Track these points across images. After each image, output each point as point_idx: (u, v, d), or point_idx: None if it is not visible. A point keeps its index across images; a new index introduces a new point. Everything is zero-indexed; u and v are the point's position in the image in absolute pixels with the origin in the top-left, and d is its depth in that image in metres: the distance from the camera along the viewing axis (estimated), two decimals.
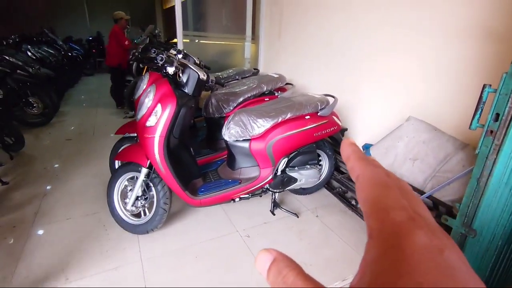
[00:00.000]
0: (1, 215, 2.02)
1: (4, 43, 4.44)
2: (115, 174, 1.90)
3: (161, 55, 1.70)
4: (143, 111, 1.69)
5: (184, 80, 1.70)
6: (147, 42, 4.63)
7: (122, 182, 1.90)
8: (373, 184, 0.20)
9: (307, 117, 2.00)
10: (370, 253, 0.17)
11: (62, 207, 2.15)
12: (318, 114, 2.04)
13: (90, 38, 10.25)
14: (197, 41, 4.28)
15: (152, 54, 1.82)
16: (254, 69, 3.43)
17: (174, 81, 1.73)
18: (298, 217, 2.12)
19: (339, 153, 2.35)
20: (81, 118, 4.49)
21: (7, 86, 3.39)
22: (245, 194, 1.96)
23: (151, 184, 1.82)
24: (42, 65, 4.77)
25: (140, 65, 4.05)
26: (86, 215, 2.07)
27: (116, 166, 2.36)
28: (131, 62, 4.86)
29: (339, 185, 2.32)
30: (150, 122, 1.62)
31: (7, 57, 3.72)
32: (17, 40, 4.95)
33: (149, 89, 1.71)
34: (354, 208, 2.15)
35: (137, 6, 10.08)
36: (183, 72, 1.69)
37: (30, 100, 3.82)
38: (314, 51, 3.02)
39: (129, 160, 1.79)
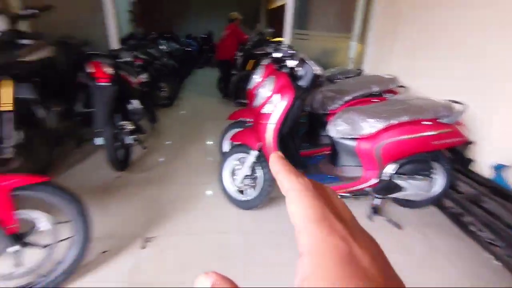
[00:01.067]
0: (143, 171, 2.57)
1: (147, 39, 5.51)
2: (228, 153, 2.18)
3: (288, 50, 1.84)
4: (260, 99, 1.87)
5: (301, 74, 1.80)
6: (256, 39, 5.02)
7: (233, 160, 2.16)
8: (303, 198, 0.20)
9: (426, 122, 1.84)
10: (302, 270, 0.17)
11: (182, 173, 2.60)
12: (439, 120, 1.85)
13: (203, 36, 11.69)
14: (301, 39, 4.39)
15: (270, 49, 1.98)
16: (357, 69, 3.31)
17: (291, 74, 1.85)
18: (400, 229, 1.99)
19: (459, 170, 2.08)
20: (194, 104, 5.23)
21: (150, 73, 4.22)
22: (345, 193, 1.96)
23: (258, 166, 2.01)
24: (169, 58, 5.75)
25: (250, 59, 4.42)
26: (200, 184, 2.44)
27: (224, 146, 2.70)
28: (238, 56, 5.40)
29: (453, 205, 2.06)
30: (266, 109, 1.78)
31: (149, 50, 4.65)
32: (155, 37, 6.08)
33: (267, 80, 1.88)
34: (473, 235, 1.87)
35: (244, 7, 10.98)
36: (301, 66, 1.79)
37: (161, 85, 4.66)
38: (437, 53, 2.72)
39: (242, 142, 2.02)
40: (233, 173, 2.18)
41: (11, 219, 1.19)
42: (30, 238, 1.30)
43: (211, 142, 3.37)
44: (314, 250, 0.18)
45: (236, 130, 2.62)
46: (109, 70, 2.13)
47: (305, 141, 2.51)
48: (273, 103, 1.73)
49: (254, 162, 1.99)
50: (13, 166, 2.11)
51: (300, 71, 1.77)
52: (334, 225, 0.19)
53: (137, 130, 2.51)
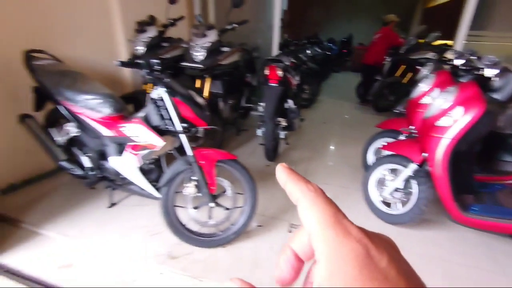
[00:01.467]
0: (287, 164, 2.84)
1: (298, 44, 5.94)
2: (378, 161, 2.11)
3: (472, 56, 1.61)
4: (434, 110, 1.71)
5: (499, 86, 1.52)
6: (414, 43, 4.53)
7: (382, 170, 2.08)
8: (316, 204, 0.20)
9: None
10: (319, 275, 0.18)
11: (322, 173, 2.72)
12: None
13: (344, 40, 11.48)
14: (477, 41, 3.63)
15: (451, 55, 1.75)
16: None
17: (481, 84, 1.59)
18: None
19: None
20: (331, 107, 5.28)
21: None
22: None
23: (414, 181, 1.86)
24: (313, 61, 6.00)
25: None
26: (340, 186, 2.49)
27: (369, 154, 2.62)
28: (386, 61, 5.04)
29: None
30: (443, 122, 1.61)
31: (299, 55, 5.02)
32: (304, 42, 6.47)
33: (447, 90, 1.69)
34: None
35: (393, 7, 10.01)
36: (500, 77, 1.51)
37: (304, 87, 4.95)
38: None
39: (400, 153, 1.91)
40: (379, 182, 2.10)
41: (213, 182, 1.60)
42: (220, 200, 1.70)
43: (351, 148, 3.33)
44: (330, 255, 0.18)
45: (385, 139, 2.50)
46: (280, 73, 2.47)
47: (477, 163, 2.11)
48: (452, 116, 1.55)
49: (410, 176, 1.85)
50: (200, 142, 2.80)
51: (497, 81, 1.50)
52: (349, 229, 0.19)
53: (289, 127, 2.79)
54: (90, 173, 1.87)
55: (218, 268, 1.59)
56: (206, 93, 2.64)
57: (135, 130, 1.55)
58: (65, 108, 1.78)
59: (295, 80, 2.95)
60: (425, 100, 1.97)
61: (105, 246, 1.69)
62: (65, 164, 1.89)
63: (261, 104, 2.77)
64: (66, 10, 2.37)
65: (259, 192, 2.30)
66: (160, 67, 1.42)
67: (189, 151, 1.54)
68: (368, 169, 2.18)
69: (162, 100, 1.53)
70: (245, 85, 3.51)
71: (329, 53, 8.86)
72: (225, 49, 2.64)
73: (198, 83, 2.71)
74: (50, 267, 1.53)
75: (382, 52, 4.91)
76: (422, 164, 1.77)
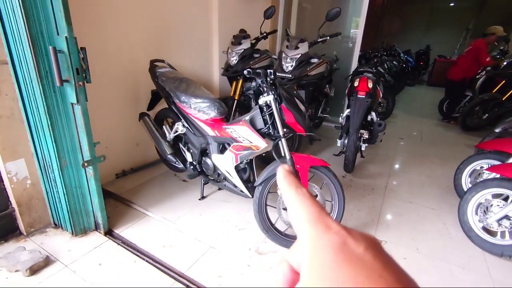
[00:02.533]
0: (364, 178, 2.77)
1: (378, 55, 5.73)
2: (481, 184, 1.91)
3: None
4: None
5: None
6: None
7: (485, 194, 1.88)
8: (302, 204, 0.22)
9: None
10: (302, 268, 0.20)
11: (404, 191, 2.56)
12: None
13: (421, 51, 10.63)
14: None
15: None
16: None
17: None
18: None
19: None
20: (408, 123, 4.94)
21: None
22: None
23: None
24: (389, 74, 5.71)
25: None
26: (428, 207, 2.31)
27: (462, 177, 2.39)
28: (479, 76, 4.52)
29: None
30: None
31: (379, 68, 4.85)
32: (382, 54, 6.22)
33: None
34: None
35: (489, 16, 8.86)
36: None
37: (380, 100, 4.74)
38: None
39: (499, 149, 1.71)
40: (480, 206, 1.90)
41: (306, 186, 1.67)
42: None
43: (436, 167, 3.07)
44: (311, 247, 0.19)
45: (487, 161, 2.25)
46: (370, 85, 2.45)
47: None
48: None
49: None
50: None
51: None
52: (330, 224, 0.20)
53: (370, 140, 2.72)
54: (190, 167, 2.12)
55: None
56: None
57: (241, 131, 1.72)
58: (178, 109, 2.06)
59: (381, 93, 2.88)
60: None
61: (199, 233, 1.89)
62: (171, 157, 2.18)
63: (344, 115, 2.76)
64: (177, 25, 2.75)
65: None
66: (273, 76, 1.57)
67: (287, 154, 1.64)
68: (465, 192, 2.00)
69: (267, 106, 1.67)
70: (323, 95, 3.54)
71: (405, 65, 8.32)
72: (314, 60, 2.73)
73: None
74: (156, 245, 1.77)
75: (472, 67, 4.42)
76: None
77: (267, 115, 1.69)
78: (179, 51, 2.85)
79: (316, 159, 1.69)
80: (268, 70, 1.56)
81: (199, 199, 2.25)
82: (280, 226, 1.81)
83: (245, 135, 1.71)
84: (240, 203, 2.21)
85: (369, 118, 2.81)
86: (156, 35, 2.58)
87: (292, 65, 2.64)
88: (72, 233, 1.79)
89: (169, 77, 2.12)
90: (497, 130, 2.74)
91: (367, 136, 2.66)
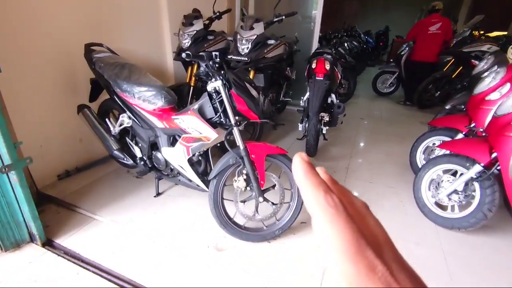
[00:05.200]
0: (327, 161, 2.77)
1: (338, 35, 5.71)
2: (432, 161, 1.97)
3: None
4: (508, 107, 1.55)
5: None
6: (467, 35, 4.19)
7: (437, 170, 1.94)
8: (334, 222, 0.18)
9: None
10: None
11: (365, 171, 2.60)
12: None
13: (380, 32, 10.93)
14: None
15: None
16: None
17: None
18: None
19: None
20: (369, 103, 5.06)
21: None
22: None
23: (477, 184, 1.71)
24: (349, 55, 5.77)
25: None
26: (386, 186, 2.37)
27: (417, 154, 2.47)
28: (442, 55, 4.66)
29: None
30: None
31: (339, 48, 4.84)
32: (342, 35, 6.23)
33: None
34: None
35: None
36: None
37: (342, 81, 4.78)
38: None
39: (463, 153, 1.76)
40: (432, 183, 1.97)
41: (263, 177, 1.58)
42: (267, 195, 1.68)
43: (394, 145, 3.17)
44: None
45: (439, 138, 2.33)
46: (328, 67, 2.39)
47: None
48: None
49: (473, 178, 1.71)
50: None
51: None
52: (373, 263, 0.16)
53: (331, 123, 2.70)
54: (141, 163, 1.94)
55: (262, 262, 1.58)
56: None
57: (190, 122, 1.57)
58: (121, 99, 1.84)
59: (340, 75, 2.84)
60: (493, 96, 1.79)
61: (153, 234, 1.74)
62: (118, 153, 1.97)
63: (304, 98, 2.70)
64: (120, 4, 2.45)
65: None
66: (219, 59, 1.41)
67: (241, 144, 1.53)
68: (419, 169, 2.05)
69: (217, 92, 1.53)
70: (285, 78, 3.45)
71: (366, 46, 8.49)
72: (271, 42, 2.60)
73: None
74: (105, 252, 1.61)
75: (439, 47, 4.43)
76: (488, 165, 1.62)
77: (217, 103, 1.55)
78: (123, 34, 2.56)
79: (273, 147, 1.60)
80: (214, 53, 1.40)
81: (154, 196, 2.09)
82: (239, 220, 1.73)
83: (194, 126, 1.56)
84: (199, 197, 2.08)
85: (329, 100, 2.78)
86: (94, 16, 2.27)
87: (248, 47, 2.49)
88: (1, 248, 1.55)
89: (108, 63, 1.87)
90: (447, 107, 2.86)
91: (327, 119, 2.63)
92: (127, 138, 2.00)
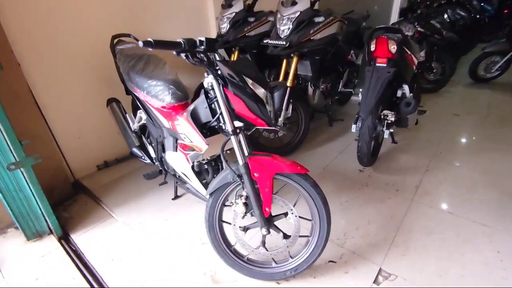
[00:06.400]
0: (389, 173, 2.12)
1: (432, 4, 4.49)
2: None
3: None
4: None
5: None
6: None
7: None
8: None
9: None
10: None
11: (445, 195, 1.87)
12: None
13: None
14: None
15: None
16: None
17: None
18: None
19: None
20: (472, 93, 3.83)
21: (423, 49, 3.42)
22: None
23: None
24: (451, 28, 4.46)
25: None
26: (477, 222, 1.63)
27: None
28: None
29: None
30: None
31: (432, 22, 3.75)
32: (442, 3, 4.88)
33: None
34: None
35: None
36: None
37: (433, 65, 3.73)
38: None
39: None
40: None
41: (269, 202, 1.20)
42: (278, 222, 1.29)
43: (502, 159, 2.23)
44: None
45: None
46: (393, 48, 1.74)
47: None
48: None
49: None
50: (279, 134, 2.41)
51: None
52: None
53: (398, 123, 2.03)
54: (156, 163, 1.80)
55: None
56: (291, 76, 2.17)
57: (183, 126, 1.30)
58: (134, 93, 1.70)
59: (417, 58, 2.09)
60: None
61: (155, 245, 1.59)
62: (136, 151, 1.88)
63: (361, 90, 2.09)
64: None
65: (342, 208, 1.77)
66: (205, 47, 1.06)
67: (240, 158, 1.17)
68: None
69: (214, 90, 1.20)
70: (347, 64, 2.82)
71: (480, 16, 6.54)
72: (319, 19, 2.06)
73: (285, 64, 2.27)
74: (106, 257, 1.53)
75: None
76: None
77: (214, 103, 1.22)
78: (162, 22, 2.44)
79: (287, 162, 1.18)
80: (199, 38, 1.05)
81: (172, 199, 1.95)
82: (243, 249, 1.40)
83: (186, 132, 1.28)
84: None
85: (399, 93, 2.09)
86: (129, 4, 2.20)
87: (288, 28, 2.03)
88: (26, 238, 1.65)
89: (127, 55, 1.75)
90: None
91: (393, 119, 1.97)
92: (143, 136, 1.88)
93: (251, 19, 2.41)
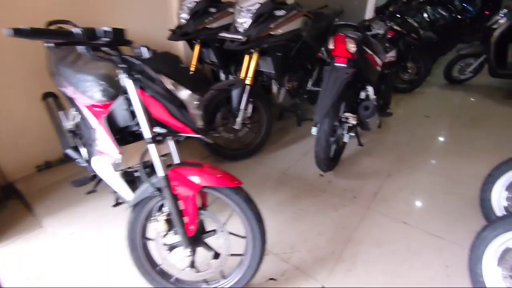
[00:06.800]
0: (350, 178, 2.03)
1: (412, 5, 4.39)
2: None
3: None
4: None
5: None
6: None
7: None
8: None
9: None
10: None
11: (402, 203, 1.79)
12: None
13: None
14: None
15: None
16: None
17: None
18: None
19: None
20: (445, 94, 3.80)
21: (397, 48, 3.33)
22: None
23: None
24: (431, 28, 4.40)
25: None
26: (430, 234, 1.55)
27: (494, 192, 1.54)
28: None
29: None
30: None
31: (408, 19, 3.66)
32: (422, 1, 4.79)
33: None
34: None
35: None
36: None
37: (408, 65, 3.65)
38: None
39: None
40: (508, 253, 1.13)
41: (194, 219, 1.06)
42: (208, 239, 1.16)
43: (468, 164, 2.18)
44: None
45: None
46: (352, 48, 1.61)
47: None
48: None
49: None
50: (239, 135, 2.27)
51: None
52: None
53: (361, 126, 1.93)
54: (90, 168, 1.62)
55: None
56: (250, 73, 2.02)
57: (99, 131, 1.13)
58: (62, 90, 1.51)
59: (382, 58, 1.98)
60: None
61: (80, 261, 1.43)
62: (70, 152, 1.69)
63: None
64: None
65: (294, 218, 1.64)
66: (110, 39, 0.90)
67: (160, 171, 1.02)
68: (490, 221, 1.20)
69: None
70: (317, 62, 2.69)
71: (461, 16, 6.54)
72: (279, 13, 1.91)
73: (246, 60, 2.11)
74: (23, 275, 1.36)
75: None
76: None
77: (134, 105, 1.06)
78: (116, 10, 2.22)
79: (215, 174, 1.04)
80: (103, 29, 0.88)
81: (113, 206, 1.77)
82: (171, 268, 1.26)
83: (101, 137, 1.12)
84: None
85: (363, 95, 1.98)
86: None
87: (247, 21, 1.87)
88: None
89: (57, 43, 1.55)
90: None
91: (354, 122, 1.86)
92: (75, 137, 1.70)
93: (213, 10, 2.23)
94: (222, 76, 2.62)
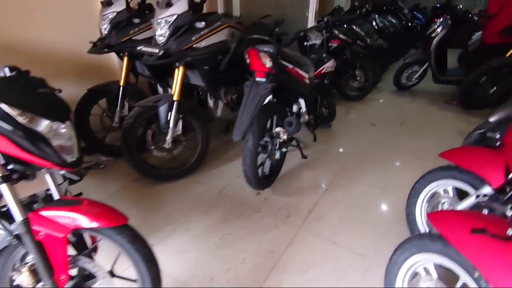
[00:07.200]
0: (287, 195, 1.95)
1: (358, 12, 4.52)
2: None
3: None
4: None
5: None
6: None
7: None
8: None
9: None
10: None
11: (335, 220, 1.74)
12: None
13: (438, 6, 8.90)
14: None
15: None
16: None
17: None
18: None
19: None
20: (394, 100, 3.91)
21: (343, 57, 3.37)
22: None
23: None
24: (380, 36, 4.54)
25: None
26: (355, 253, 1.50)
27: (418, 206, 1.53)
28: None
29: None
30: None
31: (354, 27, 3.73)
32: (369, 9, 4.95)
33: None
34: None
35: None
36: None
37: (356, 72, 3.71)
38: None
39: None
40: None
41: (65, 268, 0.91)
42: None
43: (406, 172, 2.19)
44: None
45: (445, 181, 1.39)
46: (268, 62, 1.54)
47: None
48: None
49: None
50: (174, 153, 2.13)
51: None
52: None
53: (293, 141, 1.86)
54: None
55: None
56: (177, 88, 1.89)
57: None
58: None
59: (310, 72, 1.94)
60: None
61: None
62: None
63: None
64: None
65: (219, 244, 1.52)
66: None
67: (18, 214, 0.86)
68: (395, 250, 1.16)
69: None
70: (250, 73, 2.62)
71: (412, 24, 6.89)
72: (200, 25, 1.81)
73: (176, 75, 1.98)
74: None
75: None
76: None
77: None
78: (32, 17, 2.02)
79: (92, 212, 0.90)
80: None
81: None
82: None
83: None
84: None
85: (295, 108, 1.93)
86: None
87: (165, 34, 1.75)
88: None
89: None
90: (492, 119, 1.78)
91: (285, 137, 1.79)
92: None
93: (137, 21, 2.09)
94: (160, 89, 2.48)
